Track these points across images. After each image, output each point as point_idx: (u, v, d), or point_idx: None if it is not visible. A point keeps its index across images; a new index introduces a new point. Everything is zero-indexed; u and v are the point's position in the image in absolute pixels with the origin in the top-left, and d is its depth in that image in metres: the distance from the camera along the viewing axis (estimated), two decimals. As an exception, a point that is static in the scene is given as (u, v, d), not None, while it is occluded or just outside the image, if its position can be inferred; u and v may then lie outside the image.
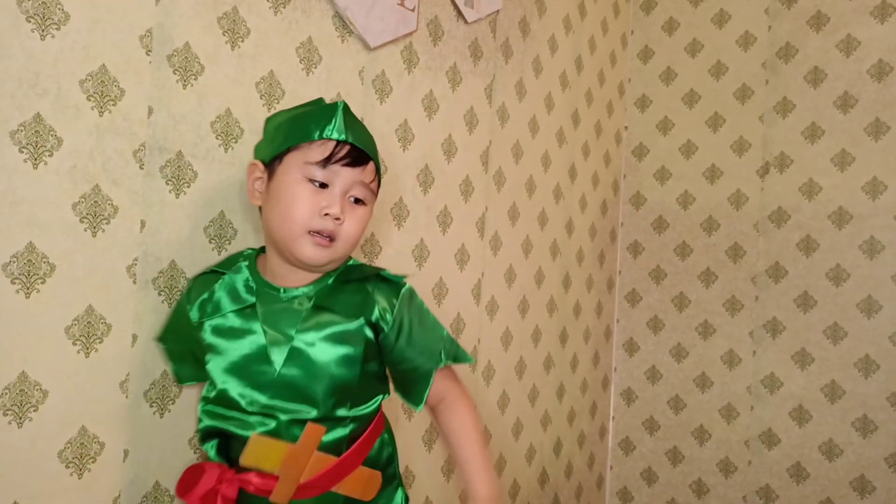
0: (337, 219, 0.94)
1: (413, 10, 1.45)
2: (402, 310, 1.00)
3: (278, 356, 0.95)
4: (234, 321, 0.97)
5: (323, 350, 0.95)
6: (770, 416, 2.18)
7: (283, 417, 0.94)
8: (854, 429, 2.07)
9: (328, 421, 0.95)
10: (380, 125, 1.42)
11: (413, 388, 1.02)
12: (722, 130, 2.29)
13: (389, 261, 1.45)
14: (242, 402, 0.95)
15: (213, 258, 1.12)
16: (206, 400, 0.98)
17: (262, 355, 0.95)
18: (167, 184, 1.06)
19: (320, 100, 1.05)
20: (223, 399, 0.96)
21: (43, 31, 0.91)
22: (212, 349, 0.97)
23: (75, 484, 0.96)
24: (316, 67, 1.28)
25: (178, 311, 1.03)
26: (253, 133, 1.17)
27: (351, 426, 0.97)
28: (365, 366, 0.98)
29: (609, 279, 2.37)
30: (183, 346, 1.03)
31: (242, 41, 1.15)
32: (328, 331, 0.96)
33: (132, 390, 1.03)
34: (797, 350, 2.15)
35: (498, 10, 1.72)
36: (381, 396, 1.03)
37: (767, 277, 2.20)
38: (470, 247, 1.68)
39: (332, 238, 0.95)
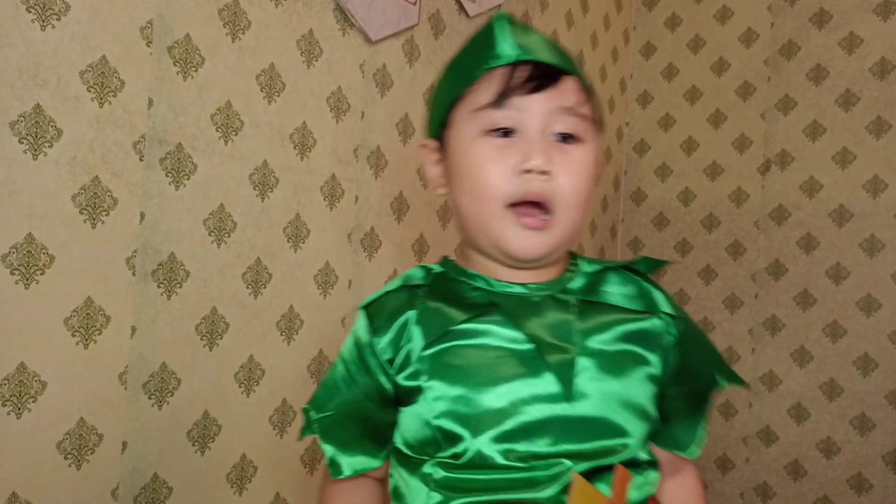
0: (543, 172, 0.65)
1: (415, 3, 1.45)
2: (682, 313, 0.71)
3: (567, 376, 0.63)
4: (470, 336, 0.66)
5: (623, 359, 0.67)
6: (768, 413, 2.18)
7: (579, 466, 0.62)
8: (852, 427, 2.07)
9: (635, 466, 0.66)
10: (380, 119, 1.42)
11: (685, 424, 0.74)
12: (723, 127, 2.28)
13: (388, 255, 1.45)
14: (497, 456, 0.62)
15: (212, 251, 1.12)
16: (446, 467, 0.65)
17: (531, 380, 0.64)
18: (167, 176, 1.06)
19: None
20: (461, 457, 0.64)
21: (43, 21, 0.91)
22: (444, 393, 0.65)
23: (73, 475, 0.97)
24: (317, 60, 1.27)
25: (348, 356, 0.72)
26: (253, 126, 1.17)
27: (653, 476, 0.69)
28: (663, 382, 0.70)
29: (609, 275, 2.37)
30: (352, 416, 0.71)
31: (243, 33, 1.15)
32: (621, 330, 0.67)
33: (131, 382, 1.03)
34: (796, 348, 2.15)
35: (500, 5, 1.71)
36: (659, 440, 0.74)
37: (767, 275, 2.20)
38: (470, 242, 1.68)
39: (545, 206, 0.66)
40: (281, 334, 1.24)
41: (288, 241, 1.24)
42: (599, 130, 0.71)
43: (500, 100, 0.66)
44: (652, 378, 0.68)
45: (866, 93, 2.08)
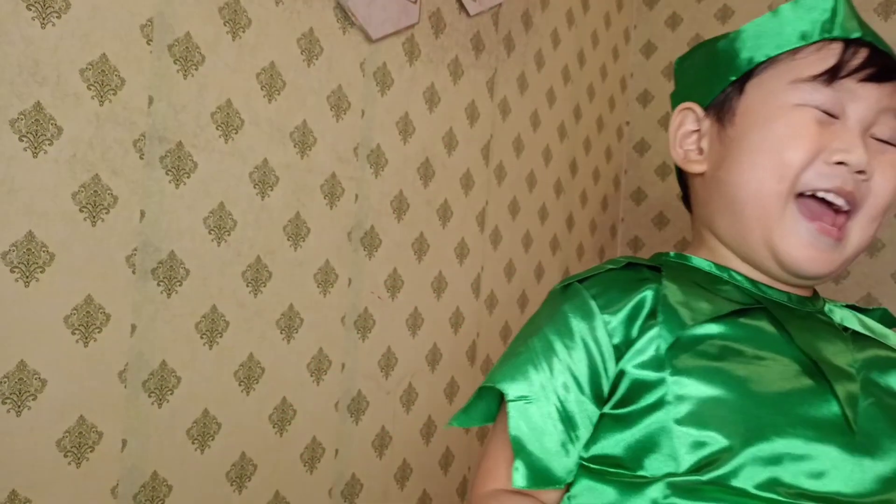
0: (860, 172, 0.55)
1: (415, 2, 1.45)
2: None
3: (852, 406, 0.52)
4: (736, 328, 0.56)
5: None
6: (768, 412, 2.18)
7: None
8: (851, 426, 2.07)
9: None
10: (380, 117, 1.41)
11: None
12: (724, 126, 2.28)
13: (388, 254, 1.45)
14: (754, 483, 0.49)
15: (212, 249, 1.12)
16: (678, 491, 0.50)
17: (814, 401, 0.52)
18: (167, 174, 1.06)
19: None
20: (709, 470, 0.50)
21: (43, 18, 0.90)
22: (670, 385, 0.53)
23: (73, 473, 0.97)
24: (317, 59, 1.27)
25: (563, 328, 0.57)
26: (253, 124, 1.17)
27: None
28: None
29: (609, 274, 2.37)
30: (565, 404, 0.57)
31: (243, 31, 1.15)
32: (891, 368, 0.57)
33: (130, 380, 1.03)
34: (796, 347, 2.15)
35: (500, 3, 1.71)
36: None
37: (767, 274, 2.20)
38: (470, 241, 1.68)
39: (847, 210, 0.56)
40: (281, 333, 1.24)
41: (288, 240, 1.24)
42: None
43: (831, 76, 0.56)
44: None
45: (867, 92, 2.08)
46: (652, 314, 0.54)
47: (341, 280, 1.35)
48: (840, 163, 0.55)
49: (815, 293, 0.64)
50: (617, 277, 0.59)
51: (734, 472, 0.48)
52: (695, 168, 0.62)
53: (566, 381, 0.55)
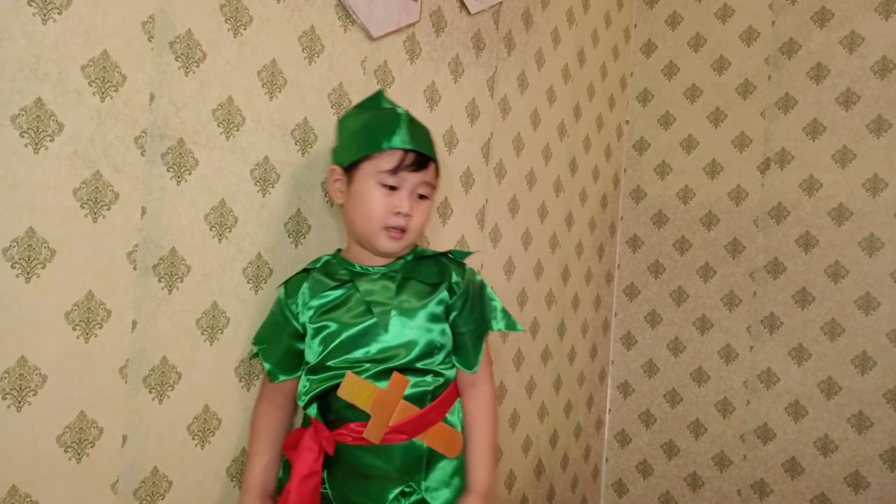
0: (407, 215, 1.11)
1: (416, 0, 1.45)
2: (468, 280, 1.17)
3: (384, 320, 1.10)
4: (335, 298, 1.13)
5: (418, 311, 1.12)
6: (766, 410, 2.19)
7: (378, 368, 1.09)
8: (850, 425, 2.08)
9: (413, 373, 1.10)
10: (381, 115, 1.41)
11: (469, 351, 1.16)
12: (723, 126, 2.29)
13: (389, 251, 1.45)
14: (349, 362, 1.09)
15: (213, 246, 1.12)
16: (312, 371, 1.11)
17: (370, 322, 1.11)
18: (168, 171, 1.06)
19: (380, 98, 1.19)
20: (329, 364, 1.10)
21: (44, 14, 0.91)
22: (319, 329, 1.12)
23: (73, 468, 0.97)
24: (318, 56, 1.27)
25: (276, 311, 1.16)
26: (254, 121, 1.17)
27: (434, 383, 1.12)
28: (445, 325, 1.15)
29: (608, 273, 2.38)
30: (280, 346, 1.14)
31: (245, 29, 1.15)
32: (420, 294, 1.14)
33: (131, 376, 1.03)
34: (794, 346, 2.15)
35: (501, 2, 1.71)
36: (456, 360, 1.17)
37: (766, 273, 2.21)
38: (470, 238, 1.68)
39: (403, 230, 1.12)
40: (281, 329, 1.24)
41: (289, 237, 1.24)
42: (436, 188, 1.17)
43: (395, 171, 1.10)
44: (437, 319, 1.13)
45: (867, 92, 2.09)
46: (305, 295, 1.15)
47: (341, 277, 1.35)
48: (399, 213, 1.11)
49: (402, 259, 1.17)
50: (292, 282, 1.17)
51: (339, 361, 1.10)
52: (338, 201, 1.16)
53: (292, 340, 1.16)
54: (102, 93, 0.97)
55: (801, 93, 2.17)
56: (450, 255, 1.20)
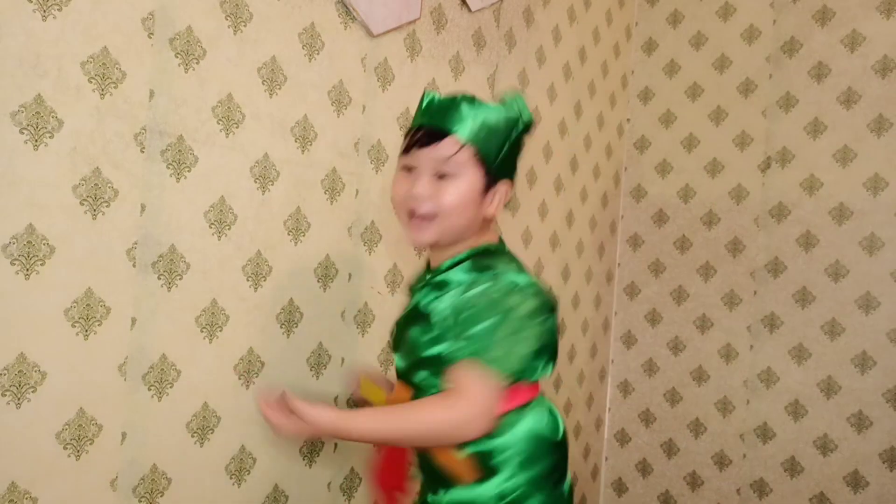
0: (424, 197, 0.97)
1: (417, -3, 1.45)
2: (474, 292, 0.96)
3: (402, 323, 1.03)
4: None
5: (414, 318, 1.01)
6: (766, 410, 2.19)
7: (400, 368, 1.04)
8: (849, 424, 2.08)
9: (409, 383, 1.02)
10: (381, 112, 1.41)
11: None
12: (724, 124, 2.28)
13: (388, 249, 1.45)
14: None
15: (212, 243, 1.12)
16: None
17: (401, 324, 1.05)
18: (168, 168, 1.06)
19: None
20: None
21: (44, 11, 0.90)
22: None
23: (73, 465, 0.97)
24: (318, 53, 1.27)
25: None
26: (254, 118, 1.17)
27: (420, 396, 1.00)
28: (436, 343, 0.97)
29: (608, 271, 2.38)
30: None
31: (245, 26, 1.15)
32: (424, 302, 1.00)
33: (130, 373, 1.03)
34: (794, 345, 2.15)
35: (502, 0, 1.71)
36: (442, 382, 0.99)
37: (766, 272, 2.20)
38: (470, 236, 1.68)
39: (429, 217, 0.98)
40: (280, 327, 1.24)
41: (288, 234, 1.24)
42: (474, 162, 1.00)
43: (406, 151, 1.00)
44: (423, 333, 0.99)
45: (868, 91, 2.08)
46: None
47: (341, 275, 1.35)
48: (413, 194, 0.98)
49: (448, 263, 1.02)
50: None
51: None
52: None
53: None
54: (102, 89, 0.97)
55: (803, 92, 2.17)
56: (494, 268, 0.99)
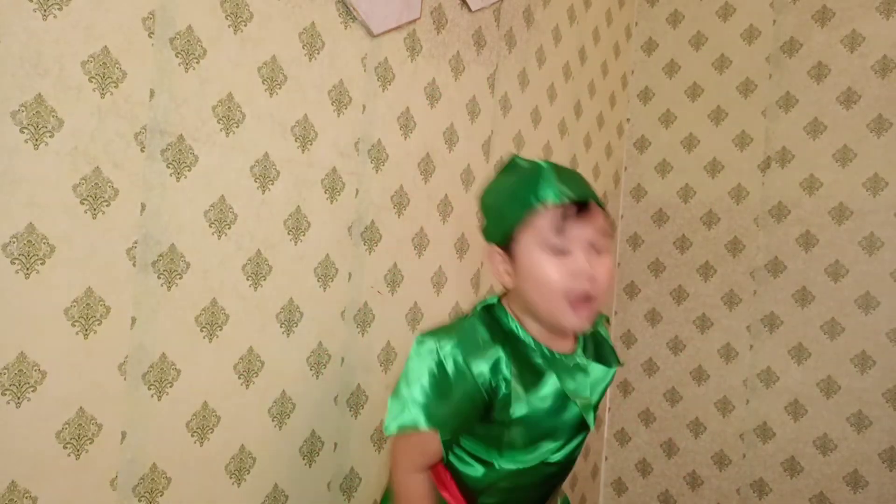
0: (591, 276, 0.95)
1: (417, -3, 1.45)
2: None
3: (590, 417, 1.02)
4: (539, 392, 0.99)
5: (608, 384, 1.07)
6: (765, 409, 2.19)
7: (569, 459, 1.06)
8: (849, 424, 2.08)
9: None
10: (381, 112, 1.41)
11: None
12: (724, 124, 2.28)
13: (388, 248, 1.45)
14: (538, 454, 1.01)
15: (212, 242, 1.12)
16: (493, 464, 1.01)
17: (574, 420, 1.01)
18: (168, 167, 1.06)
19: (515, 160, 1.02)
20: (518, 457, 1.01)
21: (45, 10, 0.90)
22: (515, 422, 0.97)
23: (73, 464, 0.97)
24: (318, 53, 1.27)
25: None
26: (254, 118, 1.17)
27: None
28: None
29: (608, 271, 2.38)
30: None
31: (245, 25, 1.15)
32: (604, 384, 1.05)
33: (130, 372, 1.03)
34: (794, 345, 2.15)
35: (502, 0, 1.71)
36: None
37: (766, 272, 2.20)
38: (470, 236, 1.68)
39: (588, 298, 0.96)
40: (280, 326, 1.24)
41: (288, 234, 1.24)
42: (613, 235, 0.99)
43: (557, 231, 0.94)
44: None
45: (868, 91, 2.08)
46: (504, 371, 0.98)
47: (341, 274, 1.35)
48: (579, 277, 0.97)
49: (580, 341, 1.07)
50: (469, 355, 0.97)
51: (529, 453, 1.02)
52: (510, 284, 1.02)
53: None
54: (103, 89, 0.97)
55: (802, 92, 2.17)
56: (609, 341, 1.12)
